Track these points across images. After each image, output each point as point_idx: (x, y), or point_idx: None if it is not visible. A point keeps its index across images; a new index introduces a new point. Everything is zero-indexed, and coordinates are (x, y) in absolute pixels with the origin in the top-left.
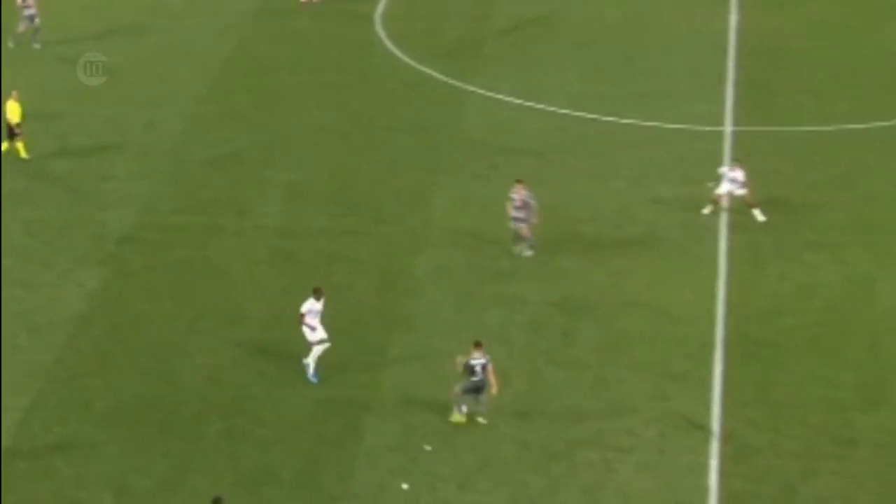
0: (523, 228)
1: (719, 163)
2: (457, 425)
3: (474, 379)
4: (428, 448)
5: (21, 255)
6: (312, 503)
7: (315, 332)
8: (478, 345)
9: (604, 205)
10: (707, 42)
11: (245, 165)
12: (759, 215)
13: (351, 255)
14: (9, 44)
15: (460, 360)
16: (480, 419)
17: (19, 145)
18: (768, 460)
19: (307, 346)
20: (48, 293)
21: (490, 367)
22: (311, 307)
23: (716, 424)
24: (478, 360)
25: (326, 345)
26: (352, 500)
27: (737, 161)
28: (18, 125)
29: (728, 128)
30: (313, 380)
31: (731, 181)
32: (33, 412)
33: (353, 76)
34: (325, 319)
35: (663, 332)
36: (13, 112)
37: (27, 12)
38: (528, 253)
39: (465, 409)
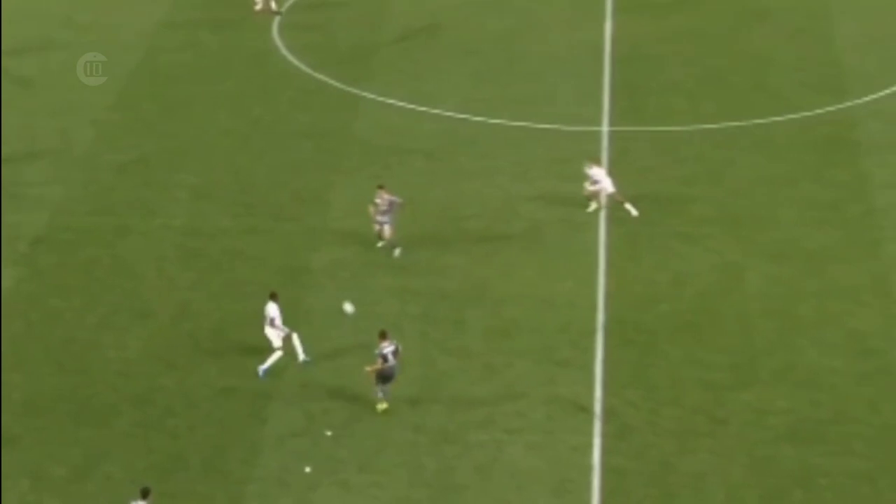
0: (386, 230)
1: (597, 161)
2: (379, 412)
3: (388, 365)
4: (329, 433)
5: None
6: (221, 487)
7: (280, 335)
8: (383, 335)
9: (490, 202)
10: (585, 49)
11: (152, 169)
12: (632, 209)
13: (253, 253)
14: None
15: (369, 369)
16: (383, 405)
17: None
18: (647, 438)
19: (270, 348)
20: None
21: (400, 348)
22: (276, 312)
23: (598, 406)
24: (388, 347)
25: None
26: (257, 483)
27: (591, 160)
28: None
29: (605, 128)
30: (263, 377)
31: (593, 180)
32: None
33: (254, 84)
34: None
35: (548, 320)
36: None
37: None
38: (398, 252)
39: (381, 395)
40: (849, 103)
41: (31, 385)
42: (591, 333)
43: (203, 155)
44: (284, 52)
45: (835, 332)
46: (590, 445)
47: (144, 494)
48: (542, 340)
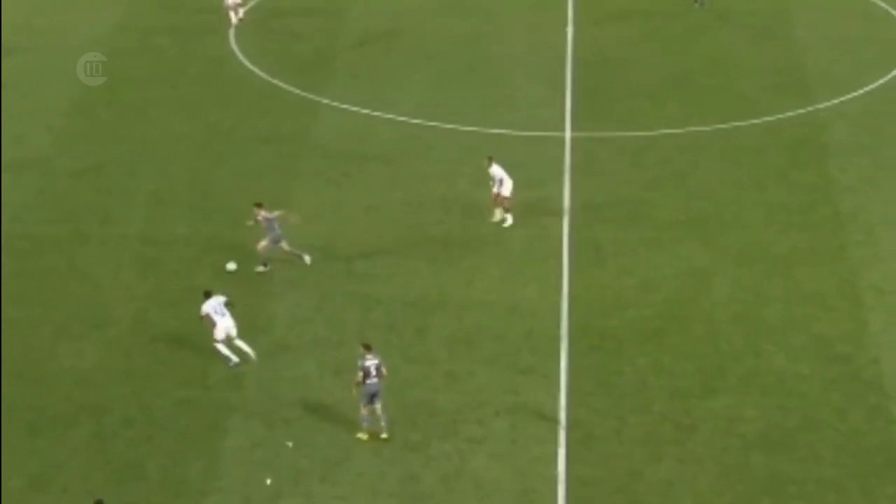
0: (261, 244)
1: (558, 166)
2: (358, 440)
3: (369, 381)
4: (289, 444)
5: None
6: (181, 498)
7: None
8: (367, 346)
9: (452, 207)
10: (547, 52)
11: (109, 176)
12: (508, 219)
13: (211, 260)
14: None
15: (355, 388)
16: (383, 435)
17: None
18: (613, 447)
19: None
20: None
21: (384, 369)
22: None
23: (563, 415)
24: (371, 360)
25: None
26: (218, 494)
27: (491, 157)
28: None
29: (568, 133)
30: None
31: (498, 180)
32: None
33: (211, 89)
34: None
35: (512, 327)
36: None
37: None
38: (261, 269)
39: (365, 424)
40: (814, 106)
41: None
42: (556, 340)
43: (160, 161)
44: (241, 57)
45: (802, 336)
46: (554, 455)
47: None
48: (506, 348)
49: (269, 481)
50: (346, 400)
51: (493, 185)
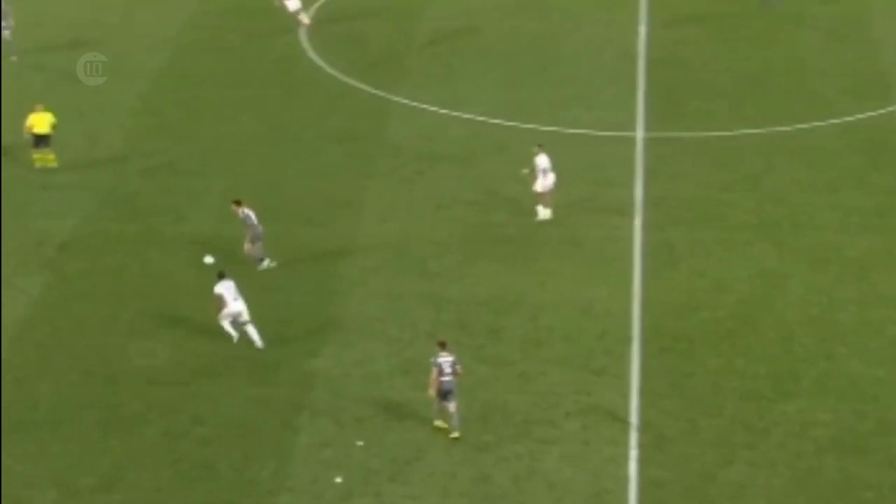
0: (246, 245)
1: (630, 167)
2: (436, 430)
3: (443, 379)
4: (360, 443)
5: None
6: (251, 497)
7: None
8: (442, 344)
9: (524, 207)
10: (619, 52)
11: (180, 175)
12: (542, 213)
13: (283, 259)
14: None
15: (430, 392)
16: (454, 434)
17: (50, 156)
18: (685, 449)
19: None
20: None
21: (458, 368)
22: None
23: (634, 416)
24: (445, 358)
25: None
26: (288, 493)
27: (541, 146)
28: (47, 136)
29: (640, 133)
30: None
31: (541, 171)
32: None
33: (282, 88)
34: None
35: (583, 328)
36: (41, 123)
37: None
38: (265, 265)
39: (454, 421)
40: (892, 108)
41: (58, 393)
42: (628, 341)
43: (230, 160)
44: (312, 55)
45: (877, 340)
46: (626, 456)
47: None
48: (578, 349)
49: (339, 480)
50: (416, 399)
51: (536, 176)
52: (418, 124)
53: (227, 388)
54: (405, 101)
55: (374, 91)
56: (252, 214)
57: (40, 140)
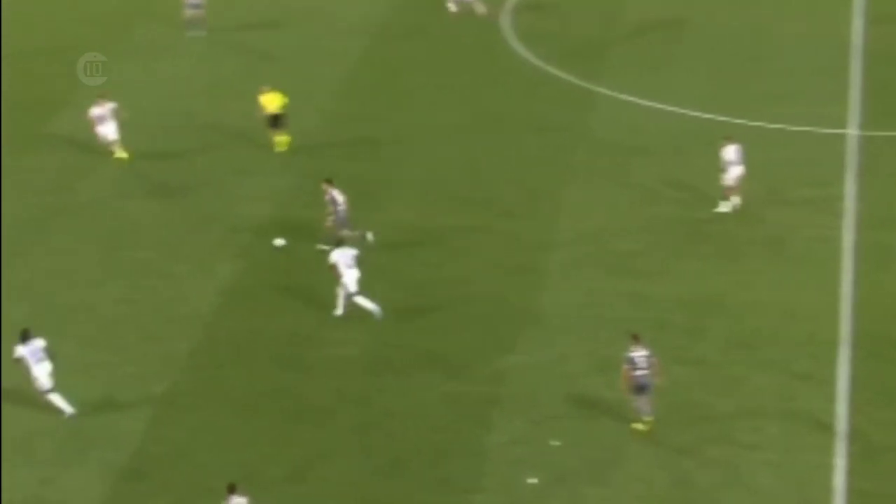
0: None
1: (842, 165)
2: (633, 431)
3: (637, 374)
4: (555, 443)
5: (159, 247)
6: (446, 496)
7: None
8: (636, 338)
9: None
10: (832, 46)
11: (377, 162)
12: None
13: (479, 251)
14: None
15: (623, 381)
16: (639, 426)
17: (283, 138)
18: None
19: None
20: (185, 284)
21: (654, 360)
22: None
23: (842, 424)
24: (639, 352)
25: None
26: (482, 493)
27: (729, 138)
28: (279, 115)
29: (854, 130)
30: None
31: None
32: (170, 400)
33: (482, 75)
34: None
35: (789, 330)
36: (270, 103)
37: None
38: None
39: (639, 414)
40: None
41: (250, 381)
42: (835, 346)
43: (429, 148)
44: (514, 43)
45: None
46: (832, 466)
47: (231, 489)
48: (783, 352)
49: (534, 480)
50: (614, 399)
51: (723, 168)
52: (621, 116)
53: (420, 383)
54: (608, 91)
55: (576, 81)
56: (340, 198)
57: (275, 120)
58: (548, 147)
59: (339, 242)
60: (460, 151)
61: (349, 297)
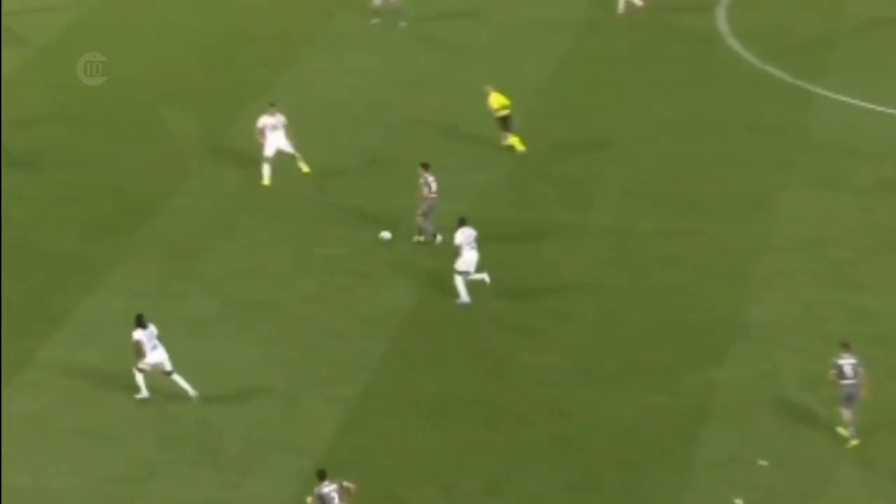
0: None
1: None
2: (844, 442)
3: (844, 382)
4: (764, 463)
5: (352, 246)
6: None
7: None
8: (845, 345)
9: None
10: None
11: (582, 161)
12: None
13: (687, 257)
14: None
15: (830, 388)
16: (853, 441)
17: (513, 138)
18: None
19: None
20: (378, 284)
21: (862, 371)
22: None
23: None
24: (847, 360)
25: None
26: None
27: None
28: (504, 117)
29: None
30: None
31: None
32: (361, 404)
33: (694, 72)
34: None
35: None
36: (497, 102)
37: None
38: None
39: (852, 429)
40: None
41: (444, 387)
42: None
43: (635, 147)
44: (731, 39)
45: None
46: None
47: (322, 476)
48: None
49: (739, 502)
50: (826, 418)
51: None
52: (842, 119)
53: (622, 394)
54: (828, 93)
55: (794, 81)
56: (433, 183)
57: (504, 122)
58: (763, 149)
59: (462, 221)
60: (669, 151)
61: (466, 277)
